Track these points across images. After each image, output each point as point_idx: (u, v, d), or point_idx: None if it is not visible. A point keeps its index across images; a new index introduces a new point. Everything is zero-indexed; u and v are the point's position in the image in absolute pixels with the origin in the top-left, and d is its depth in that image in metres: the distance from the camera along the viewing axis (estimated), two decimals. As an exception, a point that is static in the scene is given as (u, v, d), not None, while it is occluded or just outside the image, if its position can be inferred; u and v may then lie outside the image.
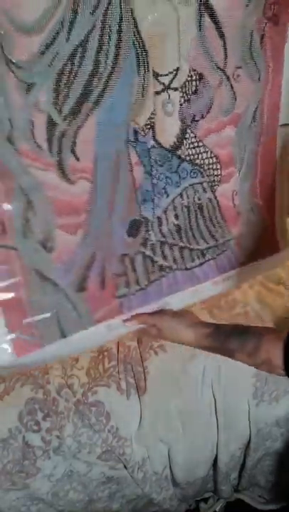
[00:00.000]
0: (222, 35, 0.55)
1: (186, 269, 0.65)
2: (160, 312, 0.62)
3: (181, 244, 0.64)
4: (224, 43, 0.56)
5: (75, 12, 0.45)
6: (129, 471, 0.79)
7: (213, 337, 0.57)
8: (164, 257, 0.62)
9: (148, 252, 0.60)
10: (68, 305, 0.54)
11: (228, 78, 0.58)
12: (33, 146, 0.48)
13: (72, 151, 0.50)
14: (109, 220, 0.56)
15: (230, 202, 0.68)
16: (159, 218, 0.60)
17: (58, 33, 0.45)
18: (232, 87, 0.59)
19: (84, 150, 0.51)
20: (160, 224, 0.61)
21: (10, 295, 0.49)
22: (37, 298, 0.51)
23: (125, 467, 0.78)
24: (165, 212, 0.61)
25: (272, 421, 0.83)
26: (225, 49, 0.56)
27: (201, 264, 0.66)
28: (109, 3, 0.47)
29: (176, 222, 0.62)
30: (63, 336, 0.54)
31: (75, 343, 0.55)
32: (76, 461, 0.74)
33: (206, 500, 1.01)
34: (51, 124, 0.48)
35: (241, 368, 0.75)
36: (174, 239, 0.63)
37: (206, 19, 0.53)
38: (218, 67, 0.57)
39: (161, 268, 0.62)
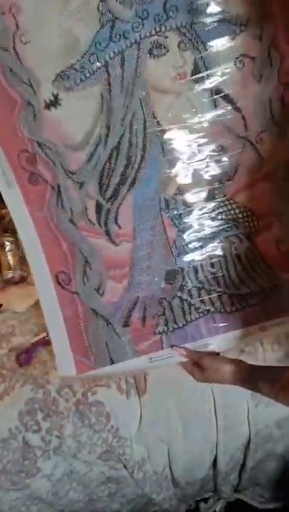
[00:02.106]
0: (238, 109, 0.61)
1: (226, 312, 0.71)
2: (204, 352, 0.71)
3: (219, 289, 0.71)
4: (242, 116, 0.61)
5: (108, 127, 0.62)
6: (129, 471, 0.79)
7: (250, 371, 0.64)
8: (202, 301, 0.71)
9: (185, 296, 0.71)
10: (116, 337, 0.70)
11: (251, 143, 0.63)
12: (87, 223, 0.67)
13: (116, 222, 0.68)
14: (149, 271, 0.70)
15: (275, 249, 0.70)
16: (194, 268, 0.70)
17: (97, 144, 0.64)
18: (257, 149, 0.63)
19: (124, 220, 0.68)
20: (196, 272, 0.71)
21: (74, 326, 0.70)
22: (93, 330, 0.70)
23: (125, 467, 0.78)
24: (201, 262, 0.70)
25: (272, 421, 0.80)
26: (244, 120, 0.62)
27: (243, 307, 0.71)
28: (134, 113, 0.62)
29: (212, 271, 0.71)
30: (112, 362, 0.70)
31: (121, 368, 0.70)
32: (76, 461, 0.75)
33: (206, 500, 0.99)
34: (98, 206, 0.67)
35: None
36: (210, 285, 0.71)
37: (219, 99, 0.61)
38: (239, 136, 0.63)
39: (199, 310, 0.71)
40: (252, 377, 0.63)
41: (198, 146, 0.64)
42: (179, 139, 0.63)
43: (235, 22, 0.55)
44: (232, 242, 0.70)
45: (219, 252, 0.70)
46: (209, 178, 0.65)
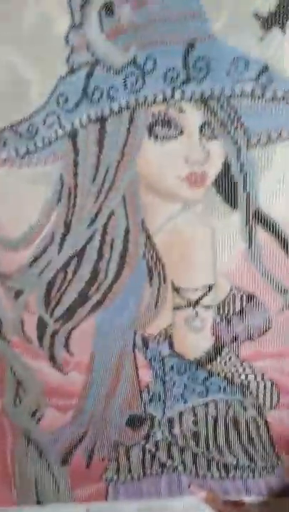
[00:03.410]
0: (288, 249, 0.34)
1: (197, 475, 0.52)
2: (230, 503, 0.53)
3: (196, 450, 0.51)
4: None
5: (67, 226, 0.37)
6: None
7: None
8: (170, 457, 0.52)
9: (149, 447, 0.51)
10: (49, 475, 0.53)
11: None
12: (23, 339, 0.46)
13: (66, 347, 0.45)
14: (106, 409, 0.50)
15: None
16: (170, 419, 0.49)
17: (48, 245, 0.39)
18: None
19: (79, 347, 0.45)
20: (171, 425, 0.50)
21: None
22: (20, 457, 0.53)
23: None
24: (180, 415, 0.49)
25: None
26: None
27: (221, 477, 0.52)
28: (111, 214, 0.36)
29: (194, 429, 0.50)
30: (38, 502, 0.54)
31: None
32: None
33: (206, 499, 0.94)
34: (42, 324, 0.44)
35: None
36: (186, 443, 0.51)
37: (260, 231, 0.33)
38: (281, 291, 0.36)
39: (163, 465, 0.52)
40: None
41: (208, 286, 0.38)
42: (175, 265, 0.38)
43: None
44: (231, 405, 0.47)
45: (209, 410, 0.49)
46: (221, 329, 0.41)
